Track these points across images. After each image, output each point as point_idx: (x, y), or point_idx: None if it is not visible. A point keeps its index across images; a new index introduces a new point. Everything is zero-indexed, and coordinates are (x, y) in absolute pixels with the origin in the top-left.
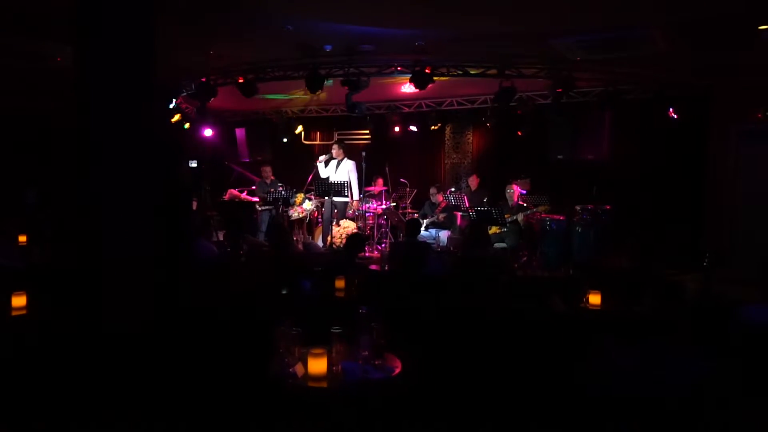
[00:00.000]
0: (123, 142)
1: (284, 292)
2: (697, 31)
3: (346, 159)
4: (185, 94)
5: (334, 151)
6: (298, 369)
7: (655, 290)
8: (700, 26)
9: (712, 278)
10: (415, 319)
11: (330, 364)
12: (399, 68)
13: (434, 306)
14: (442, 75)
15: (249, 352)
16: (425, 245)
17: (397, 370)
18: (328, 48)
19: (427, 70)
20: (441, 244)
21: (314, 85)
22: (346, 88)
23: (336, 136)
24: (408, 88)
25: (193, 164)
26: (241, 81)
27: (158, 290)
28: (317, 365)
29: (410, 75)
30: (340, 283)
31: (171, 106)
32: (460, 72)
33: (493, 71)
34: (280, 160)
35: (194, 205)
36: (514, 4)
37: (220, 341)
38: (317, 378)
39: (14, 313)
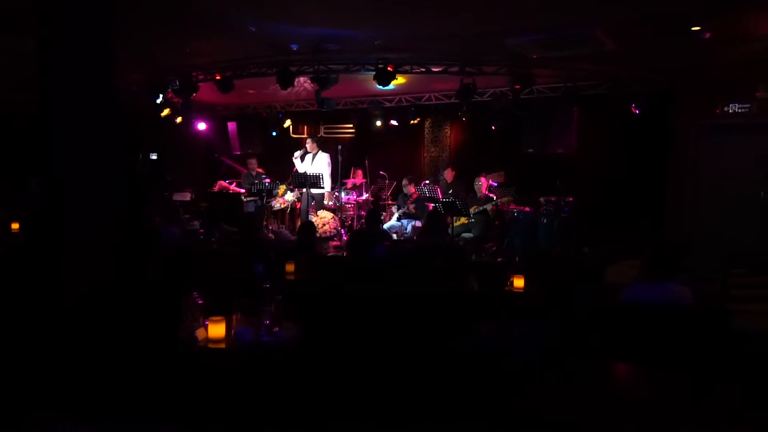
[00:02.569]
0: (81, 136)
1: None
2: (636, 32)
3: (320, 152)
4: (171, 89)
5: (308, 145)
6: (200, 333)
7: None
8: (638, 28)
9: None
10: (342, 297)
11: (229, 330)
12: (365, 66)
13: (363, 286)
14: (405, 72)
15: (170, 322)
16: (378, 233)
17: (291, 337)
18: (295, 47)
19: (389, 68)
20: (405, 233)
21: (285, 82)
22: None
23: (322, 130)
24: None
25: (154, 156)
26: (218, 78)
27: (109, 268)
28: (216, 330)
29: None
30: (290, 267)
31: (158, 101)
32: (423, 69)
33: (454, 68)
34: (270, 153)
35: (189, 195)
36: (453, 6)
37: (152, 311)
38: (216, 341)
39: None
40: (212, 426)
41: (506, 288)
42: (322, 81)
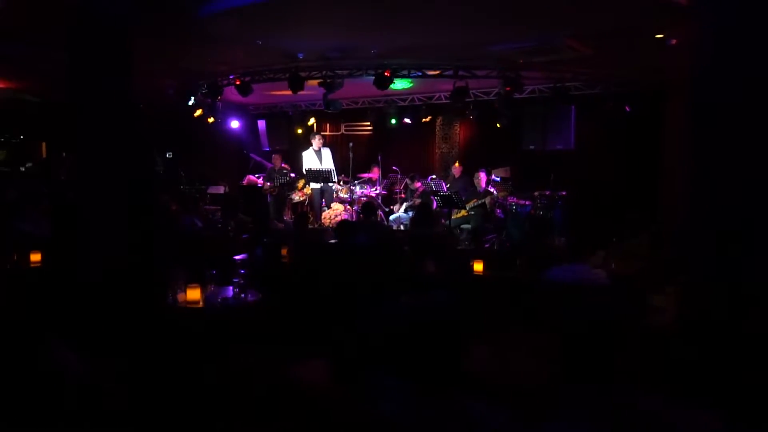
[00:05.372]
0: (101, 136)
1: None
2: (605, 41)
3: (322, 148)
4: (201, 93)
5: (316, 142)
6: (180, 297)
7: (529, 261)
8: (605, 38)
9: (615, 254)
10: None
11: (204, 294)
12: (367, 71)
13: (335, 265)
14: (404, 76)
15: (159, 288)
16: (370, 223)
17: (254, 301)
18: (301, 56)
19: (386, 73)
20: (403, 223)
21: (295, 86)
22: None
23: (343, 128)
24: (399, 84)
25: (169, 155)
26: (237, 83)
27: (121, 250)
28: (192, 294)
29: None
30: (284, 251)
31: (190, 103)
32: (420, 74)
33: (448, 72)
34: (296, 149)
35: (223, 189)
36: (427, 22)
37: (147, 281)
38: (192, 302)
39: (32, 265)
40: (183, 359)
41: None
42: (328, 85)
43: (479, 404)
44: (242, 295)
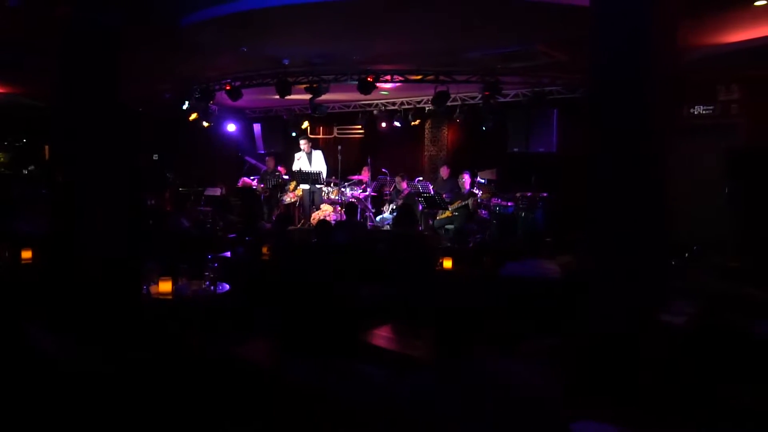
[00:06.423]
0: (92, 139)
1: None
2: (578, 46)
3: (313, 150)
4: (194, 97)
5: (305, 146)
6: (152, 289)
7: (493, 259)
8: (577, 43)
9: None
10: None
11: (175, 286)
12: (351, 76)
13: (310, 261)
14: (386, 82)
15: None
16: (352, 223)
17: (223, 293)
18: (286, 62)
19: (369, 79)
20: (388, 223)
21: (283, 91)
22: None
23: (335, 131)
24: (387, 86)
25: (155, 157)
26: (228, 88)
27: (112, 248)
28: (164, 286)
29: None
30: (265, 249)
31: (185, 107)
32: (402, 79)
33: (430, 77)
34: (290, 152)
35: (220, 191)
36: (406, 31)
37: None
38: (164, 294)
39: (23, 262)
40: (152, 342)
41: (437, 267)
42: (314, 90)
43: (368, 367)
44: (212, 288)
